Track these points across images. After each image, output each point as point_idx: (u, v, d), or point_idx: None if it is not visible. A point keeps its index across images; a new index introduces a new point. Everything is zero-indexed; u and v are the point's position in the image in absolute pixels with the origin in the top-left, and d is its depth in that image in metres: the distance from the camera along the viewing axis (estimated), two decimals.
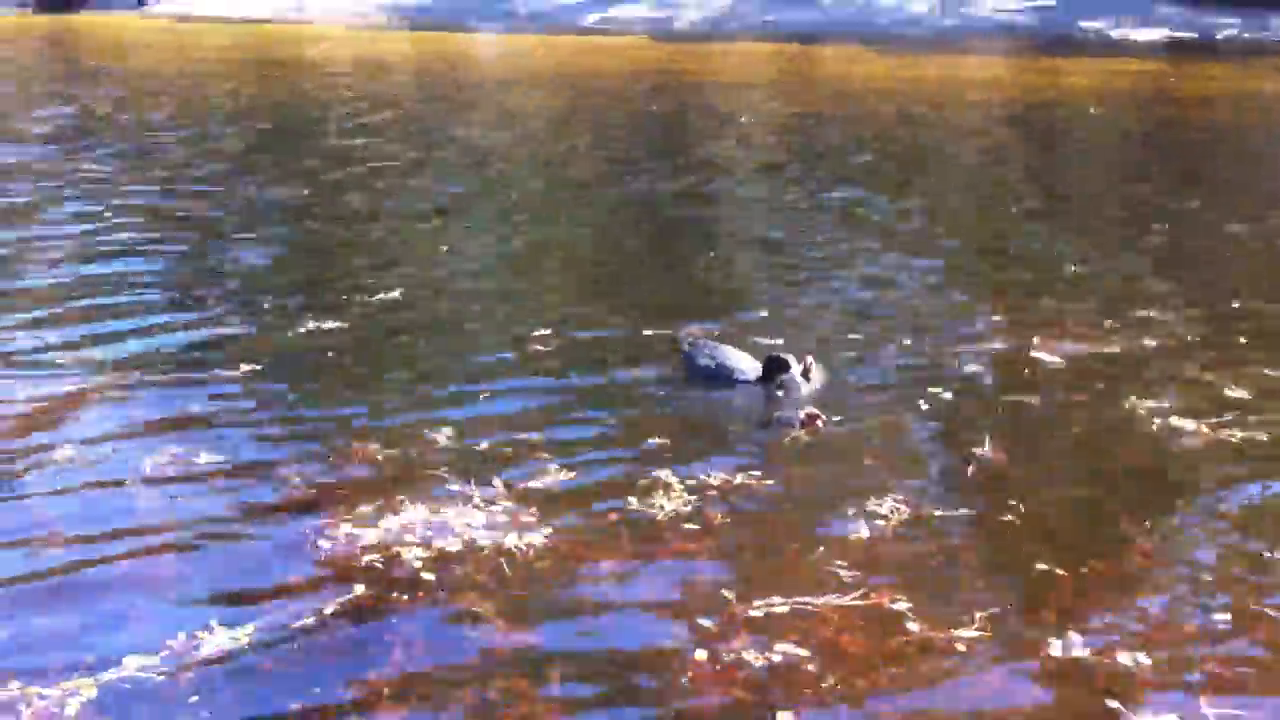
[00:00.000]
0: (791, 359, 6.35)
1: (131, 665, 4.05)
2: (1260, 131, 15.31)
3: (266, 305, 7.92)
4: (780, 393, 6.35)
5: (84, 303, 7.86)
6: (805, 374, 6.40)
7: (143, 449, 5.59)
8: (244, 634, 4.20)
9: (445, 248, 9.45)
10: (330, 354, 6.97)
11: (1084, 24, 26.68)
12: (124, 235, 9.68)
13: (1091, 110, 16.52)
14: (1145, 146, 14.72)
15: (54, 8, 31.96)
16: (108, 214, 10.38)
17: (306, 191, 11.43)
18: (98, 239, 9.58)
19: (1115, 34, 25.53)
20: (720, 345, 6.63)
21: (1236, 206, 10.99)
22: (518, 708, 3.89)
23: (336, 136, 14.57)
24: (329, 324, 7.40)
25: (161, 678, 3.99)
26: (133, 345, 7.02)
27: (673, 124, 15.83)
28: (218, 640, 4.17)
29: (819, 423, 5.98)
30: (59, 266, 8.80)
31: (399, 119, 15.80)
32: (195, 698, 3.91)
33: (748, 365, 6.48)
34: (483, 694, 3.95)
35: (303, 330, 7.34)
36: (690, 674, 4.01)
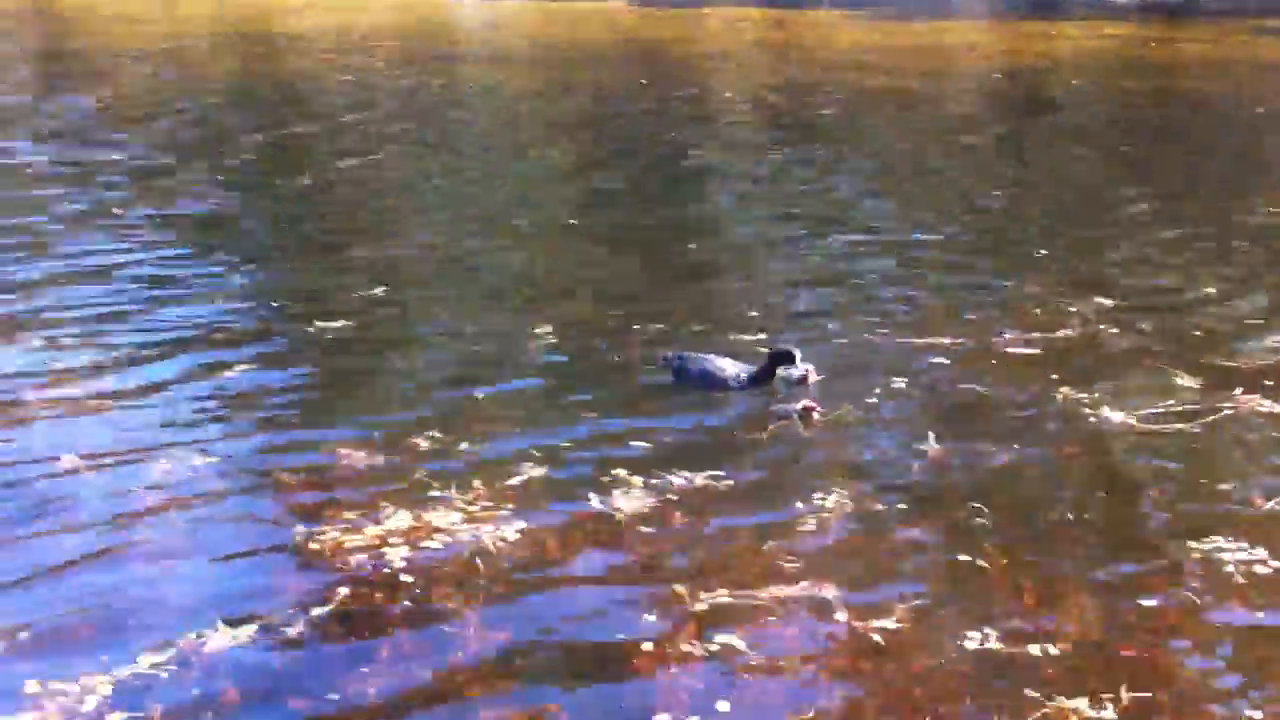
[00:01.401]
0: (796, 351, 6.78)
1: (144, 663, 4.48)
2: (1232, 101, 15.61)
3: (257, 305, 8.36)
4: (785, 388, 6.79)
5: (70, 300, 8.25)
6: (805, 379, 6.81)
7: (143, 457, 6.00)
8: (245, 634, 4.65)
9: (433, 236, 9.88)
10: (322, 355, 7.43)
11: None
12: (118, 229, 10.08)
13: (1073, 82, 16.83)
14: (1124, 121, 15.03)
15: None
16: (98, 205, 10.77)
17: (308, 181, 11.85)
18: (83, 234, 9.94)
19: None
20: (708, 355, 6.99)
21: (1212, 194, 11.37)
22: (489, 696, 4.35)
23: (324, 119, 14.89)
24: (321, 324, 7.84)
25: (170, 674, 4.43)
26: (128, 352, 7.37)
27: (657, 102, 16.12)
28: (220, 640, 4.62)
29: (815, 414, 6.42)
30: (39, 262, 9.12)
31: (386, 97, 16.09)
32: (198, 691, 4.36)
33: (736, 370, 6.91)
34: (457, 683, 4.41)
35: (295, 331, 7.79)
36: (638, 665, 4.47)
